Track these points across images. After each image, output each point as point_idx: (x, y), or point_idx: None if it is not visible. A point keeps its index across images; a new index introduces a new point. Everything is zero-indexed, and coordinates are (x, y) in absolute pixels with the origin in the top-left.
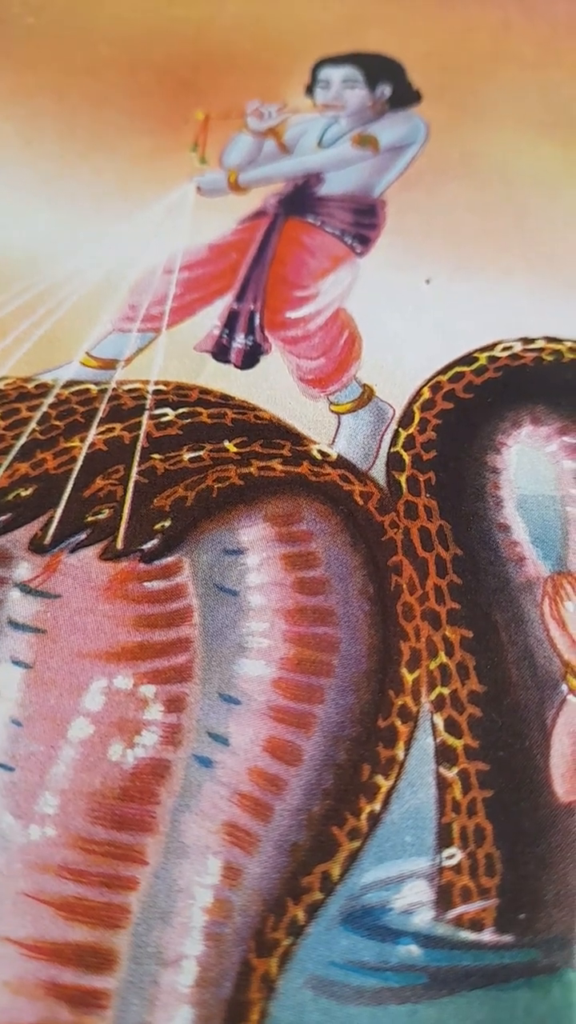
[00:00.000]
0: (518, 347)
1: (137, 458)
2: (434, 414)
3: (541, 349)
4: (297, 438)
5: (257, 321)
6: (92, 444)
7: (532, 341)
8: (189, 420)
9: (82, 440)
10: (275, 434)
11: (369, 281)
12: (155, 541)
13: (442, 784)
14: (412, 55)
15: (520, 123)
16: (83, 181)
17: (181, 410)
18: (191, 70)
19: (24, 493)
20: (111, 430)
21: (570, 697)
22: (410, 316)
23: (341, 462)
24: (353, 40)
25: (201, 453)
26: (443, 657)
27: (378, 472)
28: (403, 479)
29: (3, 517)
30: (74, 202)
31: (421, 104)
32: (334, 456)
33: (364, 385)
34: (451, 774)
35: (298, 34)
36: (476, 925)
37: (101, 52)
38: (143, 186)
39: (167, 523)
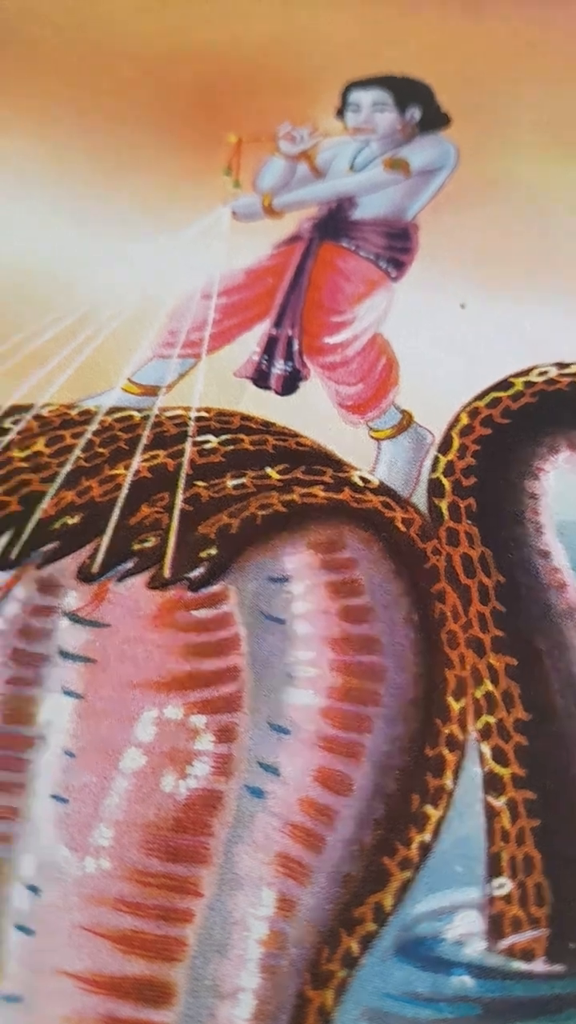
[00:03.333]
0: (553, 372)
1: (182, 485)
2: (472, 440)
3: None
4: (338, 464)
5: (295, 347)
6: (137, 471)
7: (567, 366)
8: (232, 447)
9: (126, 467)
10: (316, 460)
11: (404, 306)
12: (201, 569)
13: (490, 813)
14: (437, 75)
15: (549, 145)
16: (113, 204)
17: (223, 437)
18: (217, 91)
19: (71, 521)
20: (155, 457)
21: None
22: (445, 341)
23: (382, 488)
24: (379, 61)
25: (244, 480)
26: (488, 685)
27: (419, 499)
28: (444, 505)
29: (50, 546)
30: (105, 225)
31: (450, 126)
32: (375, 482)
33: (403, 411)
34: (499, 803)
35: (324, 55)
36: (527, 955)
37: (125, 73)
38: (175, 210)
39: (213, 551)
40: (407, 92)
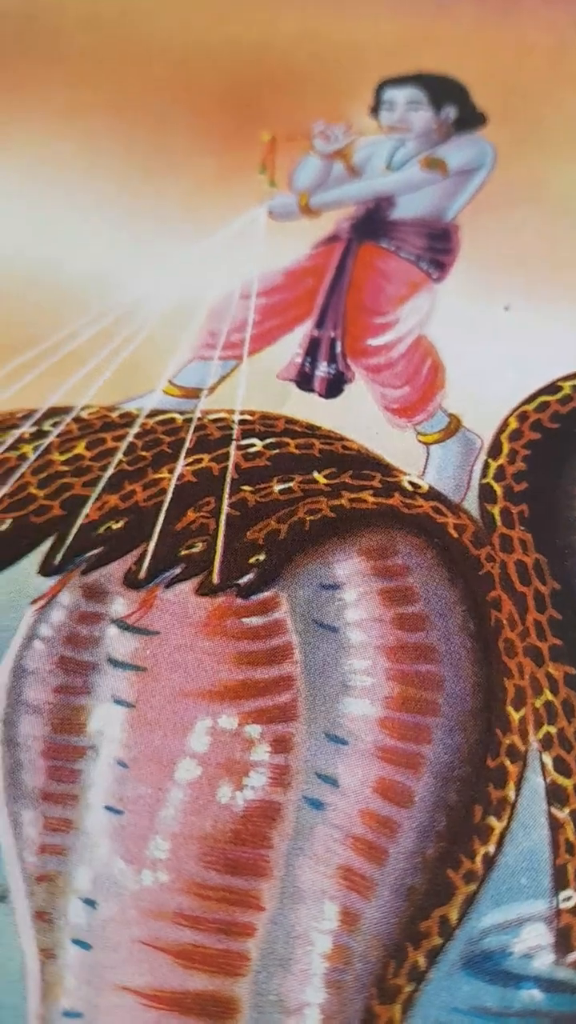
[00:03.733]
0: None
1: (227, 490)
2: (522, 444)
3: None
4: (386, 469)
5: (339, 348)
6: (181, 475)
7: None
8: (277, 451)
9: (170, 471)
10: (364, 465)
11: (446, 308)
12: (251, 576)
13: (554, 825)
14: (471, 76)
15: None
16: (148, 203)
17: (268, 440)
18: (250, 89)
19: (115, 526)
20: (199, 461)
21: None
22: (490, 344)
23: (433, 493)
24: (411, 60)
25: (291, 484)
26: (548, 694)
27: (470, 504)
28: (496, 511)
29: (96, 551)
30: (140, 224)
31: (485, 127)
32: (425, 487)
33: (451, 415)
34: (563, 814)
35: (356, 53)
36: None
37: (157, 71)
38: (211, 209)
39: (262, 557)
40: (442, 91)
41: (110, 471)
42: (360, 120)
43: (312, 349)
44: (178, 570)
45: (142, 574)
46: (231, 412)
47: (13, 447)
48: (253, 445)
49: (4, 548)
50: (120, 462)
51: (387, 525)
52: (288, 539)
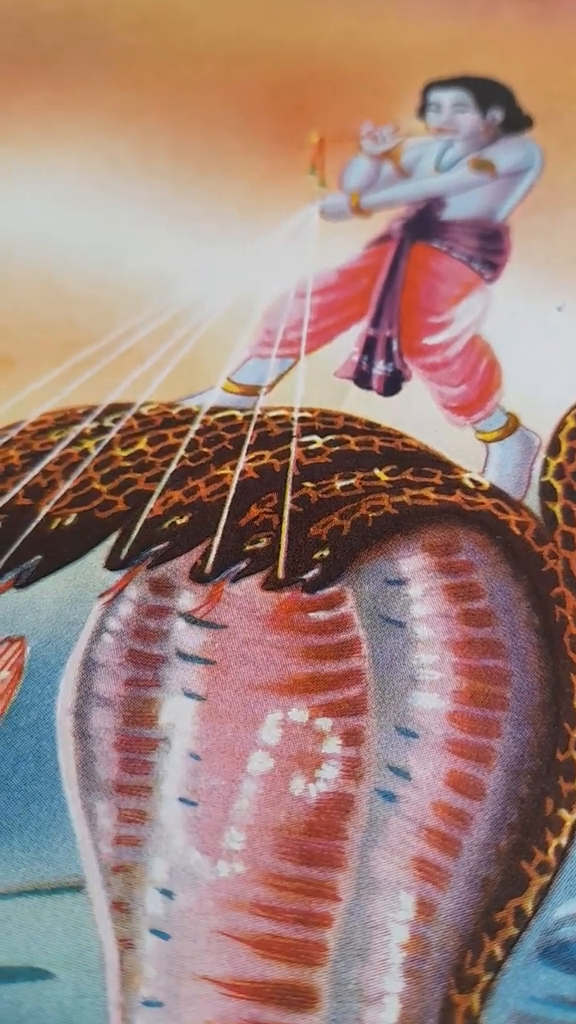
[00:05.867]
0: None
1: (290, 486)
2: None
3: None
4: (447, 466)
5: (395, 347)
6: (243, 472)
7: None
8: (337, 448)
9: (232, 467)
10: (425, 462)
11: (500, 308)
12: (316, 571)
13: None
14: (516, 78)
15: None
16: (202, 203)
17: (328, 437)
18: (297, 91)
19: (180, 521)
20: (260, 457)
21: None
22: (545, 344)
23: (494, 491)
24: (457, 62)
25: (352, 481)
26: None
27: (531, 502)
28: (557, 509)
29: (161, 546)
30: (195, 224)
31: (532, 130)
32: (486, 485)
33: (509, 413)
34: None
35: (401, 56)
36: None
37: (206, 70)
38: (264, 209)
39: (326, 552)
40: (488, 93)
41: (173, 467)
42: (407, 121)
43: (368, 348)
44: (243, 565)
45: (208, 569)
46: (291, 409)
47: (75, 442)
48: (314, 442)
49: (70, 542)
50: (182, 458)
51: (450, 522)
52: (351, 535)
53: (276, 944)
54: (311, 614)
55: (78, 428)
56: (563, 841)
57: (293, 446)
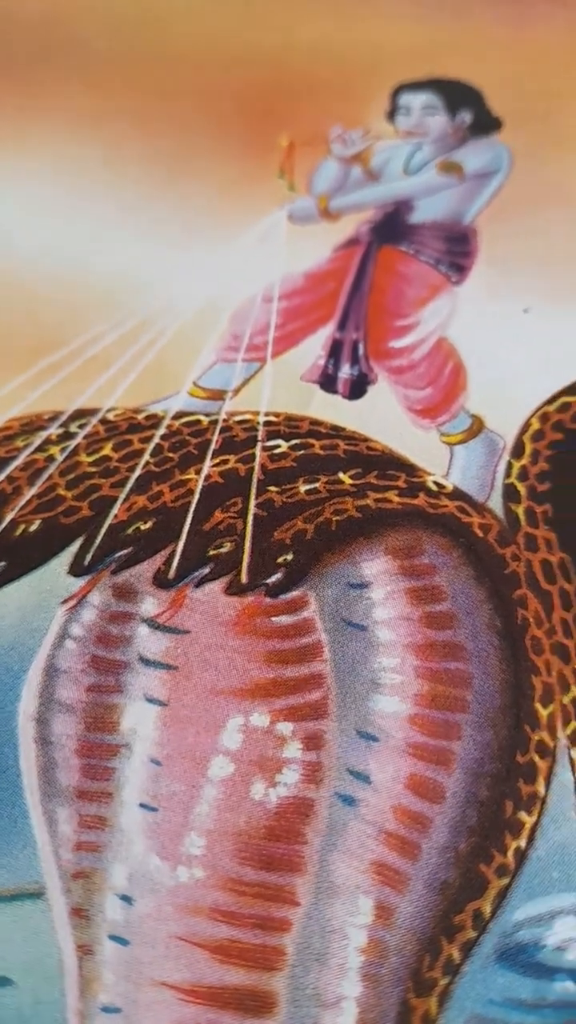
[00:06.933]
0: None
1: (254, 490)
2: (545, 445)
3: None
4: (411, 469)
5: (361, 351)
6: (208, 476)
7: None
8: (302, 452)
9: (197, 472)
10: (389, 465)
11: (467, 310)
12: (279, 575)
13: None
14: (488, 80)
15: None
16: (170, 207)
17: (293, 441)
18: (269, 95)
19: (144, 526)
20: (225, 462)
21: None
22: (511, 345)
23: (457, 493)
24: (428, 65)
25: (317, 485)
26: (575, 691)
27: (494, 504)
28: (520, 511)
29: (125, 552)
30: (164, 228)
31: (501, 131)
32: (450, 487)
33: (473, 416)
34: None
35: (374, 59)
36: None
37: (177, 75)
38: (233, 213)
39: (289, 556)
40: (457, 96)
41: (137, 472)
42: (377, 125)
43: (335, 351)
44: (207, 570)
45: (171, 574)
46: (256, 414)
47: (41, 448)
48: (279, 446)
49: (34, 549)
50: (147, 463)
51: (413, 525)
52: (315, 539)
53: (234, 949)
54: (273, 618)
55: (44, 434)
56: (522, 843)
57: (258, 450)
